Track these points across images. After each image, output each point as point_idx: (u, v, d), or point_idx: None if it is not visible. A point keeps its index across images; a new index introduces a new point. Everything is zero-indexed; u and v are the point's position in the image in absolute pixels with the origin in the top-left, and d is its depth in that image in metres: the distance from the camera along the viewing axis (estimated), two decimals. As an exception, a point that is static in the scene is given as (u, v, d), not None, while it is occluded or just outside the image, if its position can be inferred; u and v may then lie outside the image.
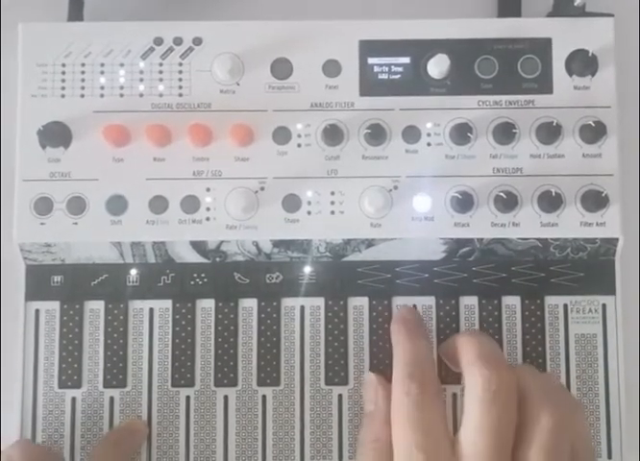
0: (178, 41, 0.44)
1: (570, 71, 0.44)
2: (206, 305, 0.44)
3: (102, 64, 0.44)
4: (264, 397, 0.43)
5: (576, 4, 0.43)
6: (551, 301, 0.44)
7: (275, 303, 0.43)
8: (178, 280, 0.44)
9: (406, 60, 0.44)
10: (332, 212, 0.43)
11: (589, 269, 0.44)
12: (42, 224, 0.43)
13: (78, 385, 0.43)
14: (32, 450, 0.38)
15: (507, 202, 0.42)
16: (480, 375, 0.36)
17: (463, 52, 0.44)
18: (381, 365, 0.43)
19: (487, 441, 0.35)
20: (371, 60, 0.44)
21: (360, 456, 0.38)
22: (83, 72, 0.44)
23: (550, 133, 0.43)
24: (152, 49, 0.44)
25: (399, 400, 0.36)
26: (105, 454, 0.41)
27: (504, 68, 0.44)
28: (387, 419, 0.37)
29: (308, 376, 0.43)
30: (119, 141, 0.43)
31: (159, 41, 0.44)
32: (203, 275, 0.44)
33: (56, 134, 0.43)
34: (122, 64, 0.44)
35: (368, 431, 0.39)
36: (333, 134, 0.43)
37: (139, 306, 0.44)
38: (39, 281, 0.43)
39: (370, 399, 0.40)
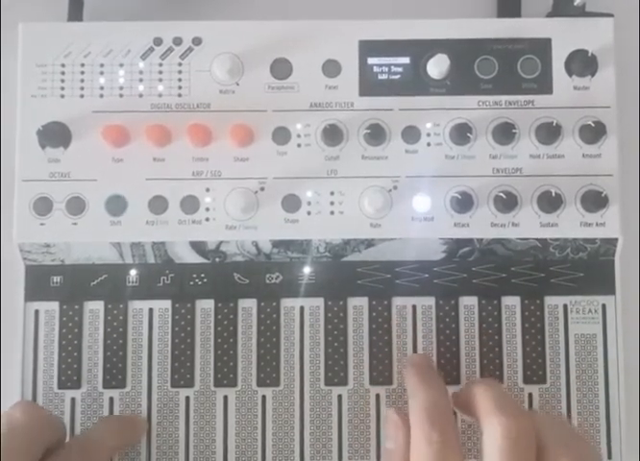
0: (177, 41, 0.44)
1: (570, 71, 0.44)
2: (205, 306, 0.44)
3: (101, 64, 0.44)
4: (264, 397, 0.43)
5: (575, 4, 0.43)
6: (550, 301, 0.44)
7: (274, 304, 0.43)
8: (177, 281, 0.44)
9: (406, 60, 0.44)
10: (332, 212, 0.43)
11: (589, 269, 0.44)
12: (42, 224, 0.43)
13: (77, 386, 0.43)
14: (33, 410, 0.38)
15: (507, 202, 0.42)
16: (499, 423, 0.36)
17: (463, 52, 0.44)
18: (381, 365, 0.43)
19: None
20: (371, 61, 0.44)
21: None
22: (82, 72, 0.44)
23: (549, 133, 0.43)
24: (151, 49, 0.44)
25: (419, 447, 0.36)
26: (108, 430, 0.41)
27: (504, 68, 0.44)
28: (406, 458, 0.37)
29: (308, 376, 0.43)
30: (119, 141, 0.43)
31: (158, 41, 0.44)
32: (202, 275, 0.44)
33: (55, 135, 0.43)
34: (122, 64, 0.44)
35: None
36: (333, 135, 0.43)
37: (139, 307, 0.43)
38: (39, 282, 0.43)
39: (390, 436, 0.39)
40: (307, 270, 0.44)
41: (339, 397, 0.43)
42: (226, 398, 0.43)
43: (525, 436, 0.35)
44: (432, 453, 0.35)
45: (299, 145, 0.43)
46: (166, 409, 0.43)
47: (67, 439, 0.40)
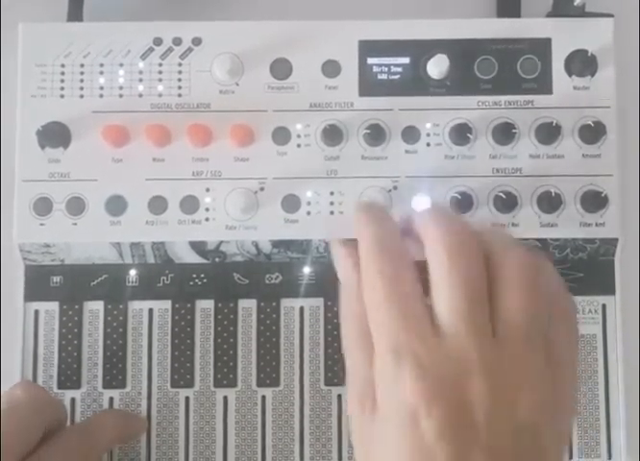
0: (177, 42, 0.44)
1: (569, 71, 0.44)
2: (205, 306, 0.44)
3: (101, 65, 0.44)
4: (264, 397, 0.43)
5: (575, 4, 0.43)
6: (550, 301, 0.43)
7: (274, 304, 0.43)
8: (177, 281, 0.44)
9: (406, 60, 0.44)
10: (332, 212, 0.43)
11: (589, 269, 0.44)
12: (42, 224, 0.43)
13: (77, 386, 0.43)
14: (34, 389, 0.38)
15: (507, 202, 0.42)
16: (441, 237, 0.33)
17: (463, 52, 0.44)
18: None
19: (462, 292, 0.32)
20: (370, 61, 0.44)
21: (344, 331, 0.35)
22: (82, 72, 0.44)
23: (549, 133, 0.43)
24: (151, 49, 0.44)
25: (372, 282, 0.33)
26: (108, 420, 0.41)
27: (504, 68, 0.44)
28: (360, 296, 0.34)
29: (308, 376, 0.43)
30: (118, 141, 0.43)
31: (158, 42, 0.44)
32: (202, 275, 0.44)
33: (55, 135, 0.43)
34: (121, 64, 0.44)
35: (345, 307, 0.35)
36: (333, 135, 0.43)
37: (139, 307, 0.43)
38: (39, 282, 0.43)
39: (340, 272, 0.36)
40: (306, 270, 0.44)
41: (339, 397, 0.43)
42: (226, 398, 0.43)
43: (468, 242, 0.33)
44: (386, 287, 0.33)
45: (299, 145, 0.43)
46: (166, 409, 0.43)
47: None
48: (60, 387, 0.43)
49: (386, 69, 0.44)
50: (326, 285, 0.43)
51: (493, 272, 0.34)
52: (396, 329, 0.32)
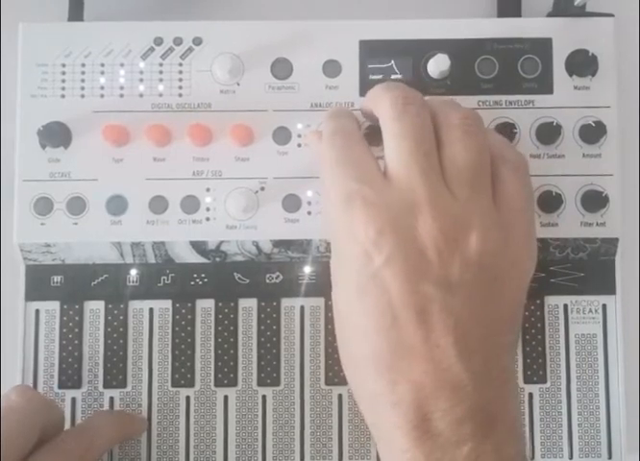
0: (178, 41, 0.44)
1: (570, 71, 0.44)
2: (206, 305, 0.44)
3: (102, 64, 0.44)
4: (264, 397, 0.43)
5: (576, 4, 0.43)
6: (551, 301, 0.44)
7: (275, 304, 0.43)
8: (178, 281, 0.44)
9: (407, 59, 0.44)
10: (332, 212, 0.43)
11: (589, 269, 0.44)
12: (42, 224, 0.43)
13: (78, 385, 0.43)
14: (30, 393, 0.38)
15: (507, 202, 0.42)
16: (388, 98, 0.36)
17: (463, 52, 0.44)
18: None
19: (409, 140, 0.35)
20: (371, 61, 0.44)
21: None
22: (83, 72, 0.44)
23: (550, 133, 0.43)
24: (152, 49, 0.44)
25: (328, 141, 0.37)
26: (106, 421, 0.41)
27: (505, 68, 0.44)
28: None
29: (308, 376, 0.43)
30: (119, 141, 0.43)
31: (159, 41, 0.44)
32: (203, 275, 0.44)
33: (56, 135, 0.43)
34: (122, 64, 0.44)
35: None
36: (333, 134, 0.43)
37: (139, 306, 0.44)
38: (39, 282, 0.43)
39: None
40: (307, 270, 0.44)
41: (340, 396, 0.43)
42: (226, 397, 0.43)
43: (414, 102, 0.36)
44: (337, 145, 0.36)
45: (299, 145, 0.44)
46: (167, 409, 0.43)
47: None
48: (60, 387, 0.43)
49: (387, 69, 0.44)
50: (326, 285, 0.43)
51: (438, 127, 0.36)
52: (347, 180, 0.35)
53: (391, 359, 0.33)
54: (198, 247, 0.43)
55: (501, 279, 0.34)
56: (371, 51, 0.44)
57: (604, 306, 0.44)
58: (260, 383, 0.43)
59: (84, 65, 0.44)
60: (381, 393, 0.33)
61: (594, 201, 0.43)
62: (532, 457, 0.43)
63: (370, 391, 0.34)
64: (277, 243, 0.43)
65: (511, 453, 0.33)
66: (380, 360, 0.33)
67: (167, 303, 0.44)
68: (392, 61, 0.44)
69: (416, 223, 0.33)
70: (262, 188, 0.43)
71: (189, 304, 0.43)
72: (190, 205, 0.43)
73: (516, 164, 0.37)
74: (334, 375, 0.43)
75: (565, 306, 0.44)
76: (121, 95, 0.44)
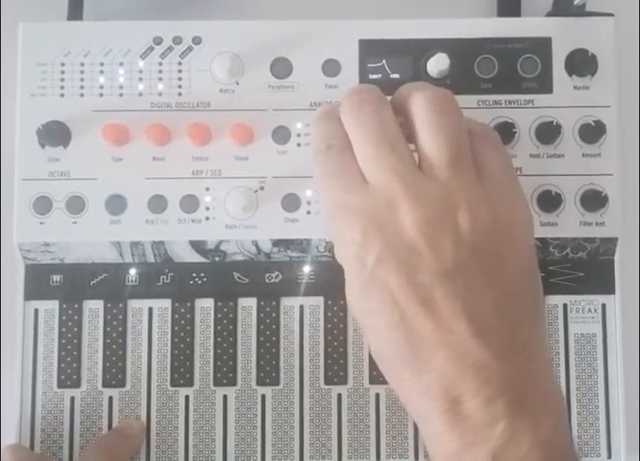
0: (177, 41, 0.44)
1: (570, 71, 0.44)
2: (205, 305, 0.44)
3: (101, 64, 0.44)
4: (263, 396, 0.43)
5: (575, 3, 0.43)
6: (550, 300, 0.43)
7: (274, 303, 0.43)
8: (177, 280, 0.44)
9: (406, 59, 0.44)
10: (332, 212, 0.43)
11: (589, 269, 0.44)
12: (42, 223, 0.43)
13: (77, 385, 0.43)
14: (21, 453, 0.38)
15: (507, 201, 0.42)
16: (346, 105, 0.36)
17: (463, 51, 0.44)
18: (381, 365, 0.43)
19: (375, 140, 0.35)
20: (370, 60, 0.44)
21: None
22: (82, 71, 0.44)
23: (549, 132, 0.43)
24: (151, 48, 0.44)
25: (316, 145, 0.37)
26: (97, 456, 0.41)
27: (504, 68, 0.44)
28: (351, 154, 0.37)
29: (308, 375, 0.43)
30: (118, 140, 0.43)
31: (158, 41, 0.44)
32: (202, 274, 0.44)
33: (55, 134, 0.43)
34: (121, 64, 0.44)
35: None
36: (333, 134, 0.43)
37: (138, 306, 0.43)
38: (38, 281, 0.43)
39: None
40: (306, 269, 0.44)
41: (339, 396, 0.43)
42: (225, 397, 0.43)
43: (369, 102, 0.36)
44: (320, 156, 0.36)
45: (299, 144, 0.43)
46: (166, 408, 0.43)
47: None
48: (59, 386, 0.43)
49: (387, 68, 0.44)
50: (326, 284, 0.43)
51: (407, 114, 0.36)
52: (330, 191, 0.36)
53: (410, 352, 0.33)
54: (197, 246, 0.43)
55: (499, 252, 0.34)
56: (370, 50, 0.44)
57: (604, 306, 0.43)
58: (260, 383, 0.43)
59: (83, 65, 0.44)
60: (410, 383, 0.34)
61: (593, 200, 0.43)
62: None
63: (399, 381, 0.35)
64: (276, 242, 0.43)
65: (548, 430, 0.33)
66: (400, 355, 0.34)
67: (166, 303, 0.44)
68: (392, 61, 0.44)
69: (397, 217, 0.33)
70: (262, 188, 0.43)
71: (189, 304, 0.43)
72: (190, 204, 0.43)
73: (488, 136, 0.37)
74: (334, 374, 0.43)
75: (565, 306, 0.43)
76: (120, 94, 0.44)
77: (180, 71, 0.44)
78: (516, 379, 0.33)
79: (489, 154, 0.36)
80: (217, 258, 0.44)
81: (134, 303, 0.43)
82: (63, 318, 0.43)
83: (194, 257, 0.44)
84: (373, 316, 0.34)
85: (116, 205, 0.43)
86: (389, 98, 0.37)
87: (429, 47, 0.44)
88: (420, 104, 0.35)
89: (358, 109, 0.36)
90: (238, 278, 0.44)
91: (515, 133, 0.43)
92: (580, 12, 0.44)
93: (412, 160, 0.35)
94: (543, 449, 0.32)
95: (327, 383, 0.43)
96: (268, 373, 0.43)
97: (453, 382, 0.33)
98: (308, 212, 0.43)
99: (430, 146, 0.35)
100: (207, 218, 0.43)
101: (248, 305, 0.43)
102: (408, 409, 0.36)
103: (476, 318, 0.33)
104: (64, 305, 0.43)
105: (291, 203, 0.43)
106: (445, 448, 0.33)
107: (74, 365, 0.43)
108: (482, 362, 0.32)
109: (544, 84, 0.44)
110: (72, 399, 0.43)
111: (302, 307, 0.43)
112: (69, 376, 0.43)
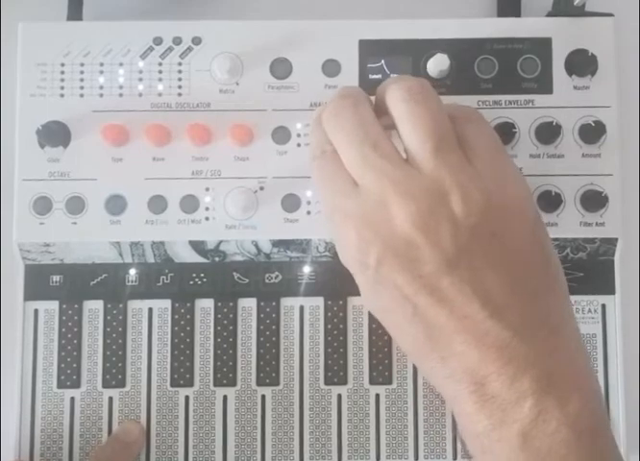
0: (177, 41, 0.44)
1: (570, 71, 0.44)
2: (205, 305, 0.44)
3: (101, 64, 0.44)
4: (263, 396, 0.43)
5: (575, 4, 0.43)
6: (550, 301, 0.43)
7: (274, 303, 0.43)
8: (177, 280, 0.44)
9: (406, 59, 0.44)
10: (332, 212, 0.43)
11: (589, 269, 0.44)
12: (41, 223, 0.43)
13: (77, 385, 0.43)
14: None
15: (507, 201, 0.42)
16: (325, 112, 0.37)
17: (463, 52, 0.44)
18: (381, 365, 0.43)
19: (354, 146, 0.35)
20: (370, 60, 0.44)
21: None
22: (82, 72, 0.44)
23: (549, 132, 0.43)
24: (151, 49, 0.44)
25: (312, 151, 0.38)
26: None
27: (504, 68, 0.44)
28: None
29: (308, 375, 0.43)
30: (118, 141, 0.43)
31: (158, 41, 0.44)
32: (202, 274, 0.44)
33: (55, 134, 0.43)
34: (121, 64, 0.44)
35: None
36: (333, 134, 0.43)
37: (138, 306, 0.43)
38: (38, 281, 0.43)
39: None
40: (306, 269, 0.44)
41: (339, 396, 0.43)
42: (225, 397, 0.43)
43: (345, 106, 0.36)
44: (315, 161, 0.37)
45: (299, 144, 0.43)
46: (166, 409, 0.43)
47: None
48: (59, 386, 0.43)
49: (386, 69, 0.44)
50: (326, 285, 0.43)
51: (387, 109, 0.36)
52: (327, 198, 0.36)
53: (430, 342, 0.34)
54: (197, 246, 0.43)
55: (498, 230, 0.34)
56: (370, 50, 0.44)
57: (604, 306, 0.43)
58: (260, 383, 0.43)
59: (83, 65, 0.44)
60: (435, 369, 0.34)
61: (593, 201, 0.42)
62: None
63: (426, 369, 0.36)
64: (276, 243, 0.43)
65: (576, 408, 0.32)
66: (421, 346, 0.35)
67: (166, 303, 0.43)
68: (392, 61, 0.44)
69: (390, 215, 0.33)
70: (262, 188, 0.43)
71: (188, 304, 0.43)
72: (189, 204, 0.43)
73: (469, 117, 0.37)
74: (334, 374, 0.43)
75: (565, 306, 0.43)
76: (120, 95, 0.44)
77: (180, 71, 0.44)
78: (540, 356, 0.33)
79: (472, 134, 0.36)
80: (217, 259, 0.44)
81: (133, 304, 0.43)
82: (63, 318, 0.43)
83: (194, 258, 0.43)
84: (388, 313, 0.35)
85: (116, 205, 0.43)
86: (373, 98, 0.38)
87: (429, 47, 0.44)
88: (396, 96, 0.35)
89: (336, 114, 0.36)
90: (238, 278, 0.44)
91: (515, 133, 0.43)
92: (580, 12, 0.44)
93: (397, 156, 0.35)
94: (571, 427, 0.32)
95: (327, 384, 0.43)
96: (268, 373, 0.43)
97: (476, 365, 0.33)
98: (308, 212, 0.43)
99: (412, 137, 0.35)
100: (206, 218, 0.43)
101: (248, 306, 0.43)
102: (440, 392, 0.37)
103: (488, 299, 0.33)
104: (64, 306, 0.43)
105: (291, 203, 0.43)
106: (475, 428, 0.33)
107: (74, 365, 0.43)
108: (502, 341, 0.33)
109: (544, 85, 0.44)
110: (72, 399, 0.43)
111: (302, 308, 0.43)
112: (69, 376, 0.43)
